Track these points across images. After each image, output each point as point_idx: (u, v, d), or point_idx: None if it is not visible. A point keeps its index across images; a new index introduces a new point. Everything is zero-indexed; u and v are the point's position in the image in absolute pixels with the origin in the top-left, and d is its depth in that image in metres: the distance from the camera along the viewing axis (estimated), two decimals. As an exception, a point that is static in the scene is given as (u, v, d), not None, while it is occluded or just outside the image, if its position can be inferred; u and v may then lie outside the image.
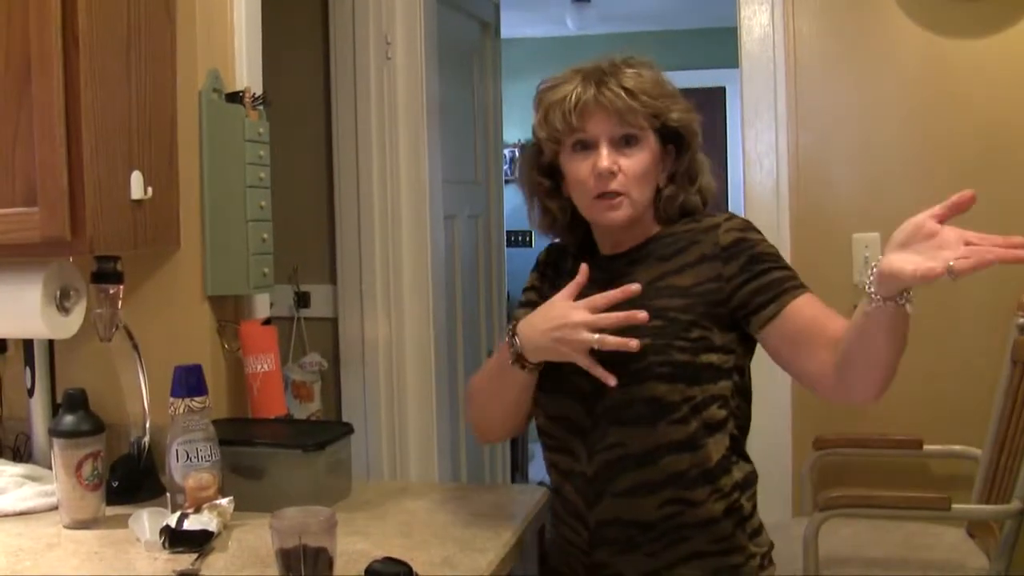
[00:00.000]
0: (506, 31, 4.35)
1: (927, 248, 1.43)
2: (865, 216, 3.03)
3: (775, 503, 3.04)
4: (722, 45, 4.61)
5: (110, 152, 1.97)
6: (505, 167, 4.55)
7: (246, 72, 2.36)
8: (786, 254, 2.99)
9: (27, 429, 2.28)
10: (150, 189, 2.05)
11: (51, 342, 2.26)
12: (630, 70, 1.78)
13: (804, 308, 1.70)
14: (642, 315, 1.65)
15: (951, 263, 1.38)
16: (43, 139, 1.89)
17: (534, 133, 1.85)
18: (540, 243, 7.36)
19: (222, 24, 2.32)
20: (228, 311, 2.32)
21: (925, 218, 1.44)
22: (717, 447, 1.75)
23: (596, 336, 1.66)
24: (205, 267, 2.23)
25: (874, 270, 1.48)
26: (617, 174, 1.75)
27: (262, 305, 2.43)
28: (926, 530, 2.79)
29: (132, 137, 2.05)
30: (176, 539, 1.76)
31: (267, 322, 2.34)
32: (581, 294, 1.76)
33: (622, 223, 1.79)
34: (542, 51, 6.55)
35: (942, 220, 1.45)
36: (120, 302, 2.10)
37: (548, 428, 1.86)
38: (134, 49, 2.06)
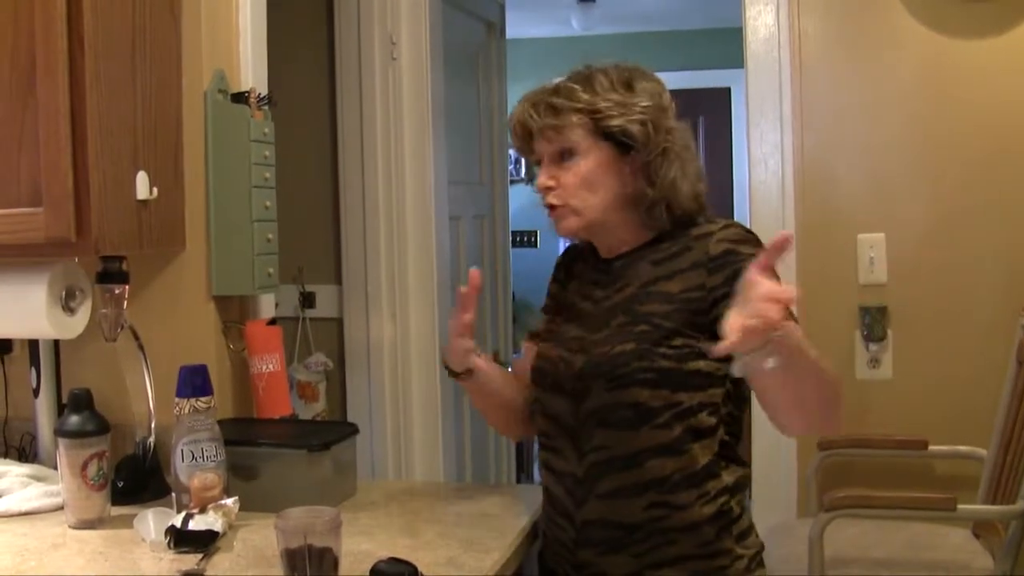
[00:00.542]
0: (511, 31, 4.34)
1: (747, 304, 1.41)
2: (870, 216, 3.03)
3: (780, 504, 3.05)
4: (727, 45, 4.60)
5: (115, 153, 1.97)
6: (510, 167, 4.55)
7: (251, 73, 2.36)
8: (791, 255, 3.00)
9: (32, 429, 2.28)
10: (155, 189, 2.05)
11: (56, 342, 2.26)
12: (571, 86, 1.81)
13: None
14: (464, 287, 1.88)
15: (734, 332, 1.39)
16: (48, 140, 1.89)
17: None
18: (545, 244, 7.40)
19: (227, 25, 2.32)
20: (233, 311, 2.32)
21: (753, 273, 1.42)
22: (704, 452, 1.76)
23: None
24: (210, 267, 2.24)
25: None
26: (554, 188, 1.82)
27: (267, 305, 2.44)
28: (931, 531, 2.79)
29: (137, 138, 2.05)
30: (181, 539, 1.76)
31: (272, 322, 2.34)
32: (584, 293, 1.88)
33: (574, 232, 1.86)
34: (547, 51, 6.54)
35: (766, 266, 1.43)
36: (125, 302, 2.11)
37: (544, 427, 1.90)
38: (139, 50, 2.06)
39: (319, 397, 3.28)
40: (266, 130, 2.32)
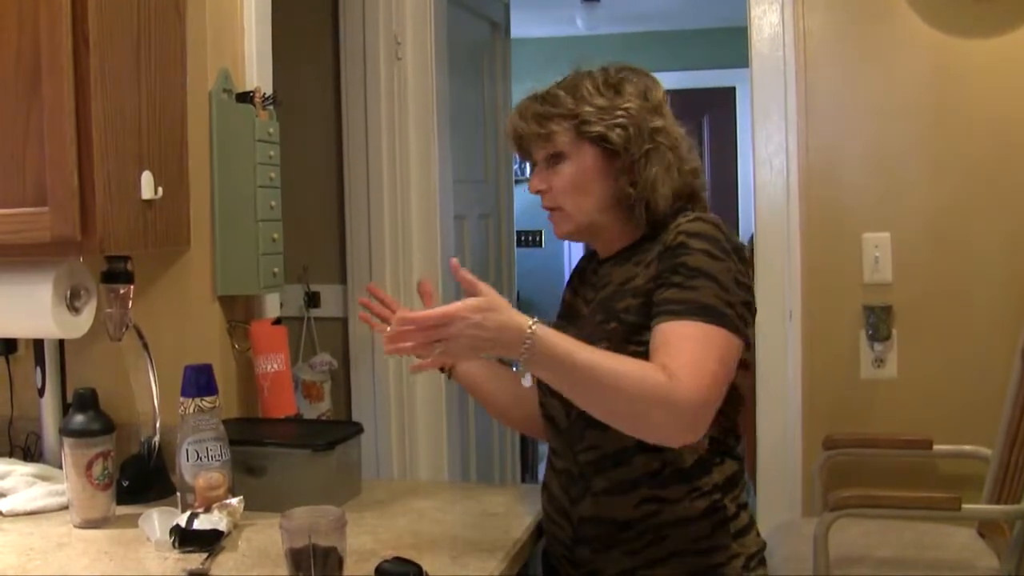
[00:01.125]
0: (516, 31, 4.35)
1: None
2: (875, 215, 3.02)
3: (784, 503, 3.04)
4: (732, 45, 4.60)
5: (120, 152, 1.98)
6: (515, 167, 4.55)
7: (256, 72, 2.36)
8: (796, 254, 3.01)
9: (38, 429, 2.28)
10: (160, 189, 2.06)
11: (61, 342, 2.26)
12: (556, 92, 1.84)
13: (658, 334, 1.67)
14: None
15: None
16: (53, 139, 1.89)
17: None
18: (550, 244, 7.42)
19: (232, 24, 2.32)
20: (238, 311, 2.33)
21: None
22: (691, 448, 1.76)
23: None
24: (215, 267, 2.24)
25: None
26: (547, 192, 1.86)
27: (272, 305, 2.44)
28: (936, 530, 2.78)
29: (142, 137, 2.05)
30: (186, 539, 1.77)
31: (277, 322, 2.34)
32: (583, 296, 1.93)
33: (570, 233, 1.89)
34: (552, 51, 6.54)
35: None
36: (130, 302, 2.11)
37: (546, 428, 1.93)
38: (144, 49, 2.06)
39: (324, 397, 3.28)
40: (271, 130, 2.32)
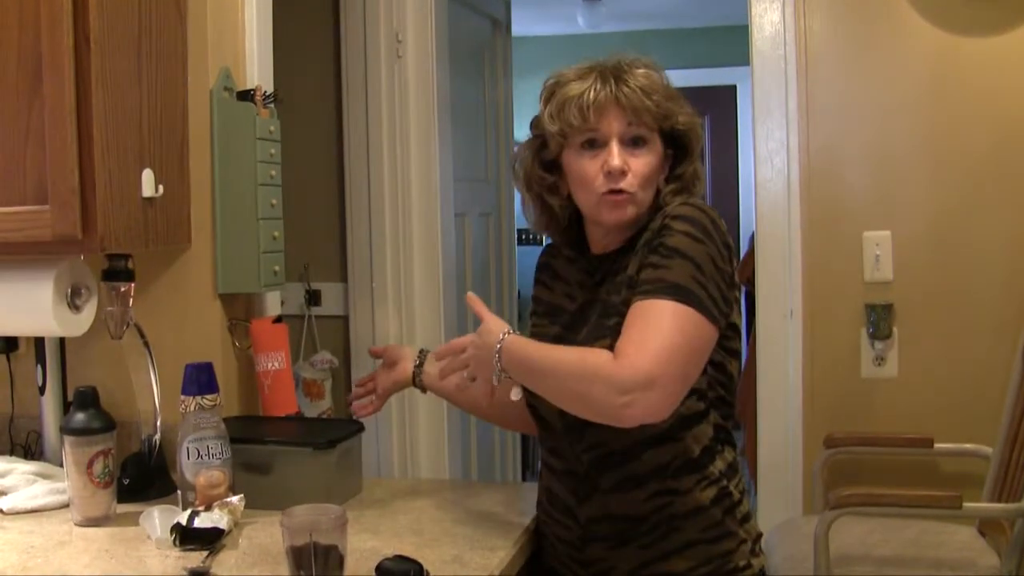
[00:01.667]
0: (517, 29, 4.34)
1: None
2: (876, 214, 3.02)
3: (785, 501, 3.05)
4: (733, 43, 4.60)
5: (121, 150, 1.97)
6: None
7: (257, 70, 2.36)
8: (796, 252, 3.01)
9: (38, 427, 2.28)
10: (161, 187, 2.06)
11: (62, 340, 2.26)
12: (641, 70, 1.78)
13: (631, 312, 1.67)
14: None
15: None
16: (54, 137, 1.89)
17: (538, 127, 1.85)
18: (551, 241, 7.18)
19: (233, 23, 2.32)
20: (239, 309, 2.33)
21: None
22: (698, 438, 1.76)
23: None
24: (216, 265, 2.24)
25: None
26: (627, 174, 1.75)
27: (273, 303, 2.44)
28: (937, 528, 2.78)
29: (143, 135, 2.05)
30: (187, 537, 1.77)
31: (278, 320, 2.34)
32: (569, 293, 1.89)
33: (627, 222, 1.79)
34: (553, 49, 6.54)
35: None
36: (131, 300, 2.11)
37: (540, 428, 1.91)
38: (145, 48, 2.06)
39: (325, 395, 3.28)
40: (272, 128, 2.32)
